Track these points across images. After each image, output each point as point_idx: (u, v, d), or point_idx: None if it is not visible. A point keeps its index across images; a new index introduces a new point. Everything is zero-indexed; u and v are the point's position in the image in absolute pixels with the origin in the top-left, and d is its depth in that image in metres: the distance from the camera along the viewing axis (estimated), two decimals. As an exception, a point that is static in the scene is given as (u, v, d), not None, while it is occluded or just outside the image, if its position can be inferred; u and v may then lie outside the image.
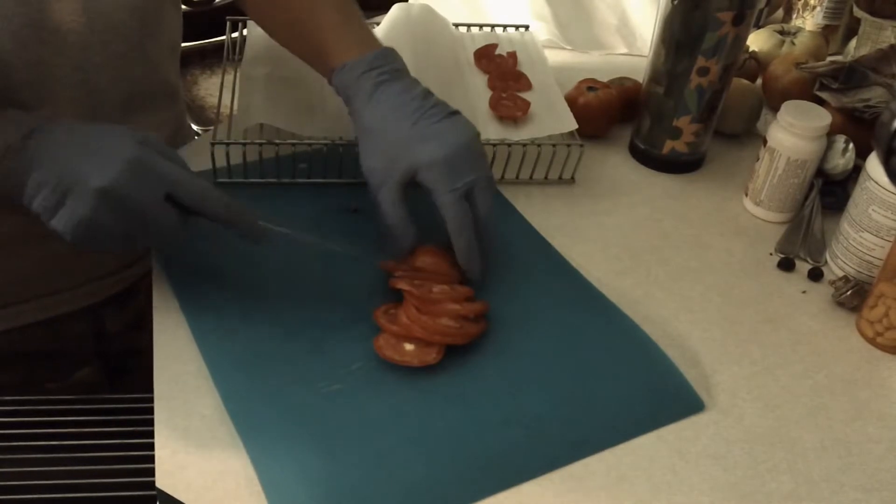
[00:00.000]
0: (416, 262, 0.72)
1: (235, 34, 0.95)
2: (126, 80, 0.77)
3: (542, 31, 1.15)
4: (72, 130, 0.64)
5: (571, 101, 0.93)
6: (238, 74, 0.89)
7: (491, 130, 0.87)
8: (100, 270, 0.86)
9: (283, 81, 0.87)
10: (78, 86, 0.73)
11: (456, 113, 0.73)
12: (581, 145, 0.86)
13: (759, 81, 1.07)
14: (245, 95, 0.86)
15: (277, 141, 0.82)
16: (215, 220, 0.66)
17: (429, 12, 0.97)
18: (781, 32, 1.11)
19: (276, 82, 0.87)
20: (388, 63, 0.74)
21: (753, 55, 1.06)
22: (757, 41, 1.10)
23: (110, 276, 0.87)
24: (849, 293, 0.76)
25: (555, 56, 1.08)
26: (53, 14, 0.69)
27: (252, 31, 0.93)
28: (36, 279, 0.83)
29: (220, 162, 0.82)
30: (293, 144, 0.82)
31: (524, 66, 0.97)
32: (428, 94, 0.74)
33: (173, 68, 0.87)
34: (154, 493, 0.57)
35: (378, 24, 0.97)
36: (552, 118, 0.89)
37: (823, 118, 0.82)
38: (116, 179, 0.60)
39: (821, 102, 0.90)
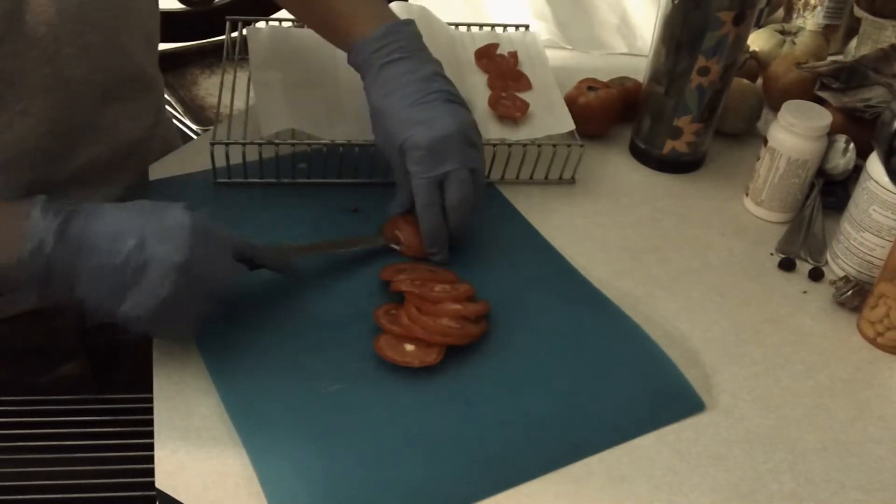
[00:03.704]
0: (398, 221, 0.76)
1: (235, 34, 0.95)
2: (100, 71, 0.77)
3: (542, 30, 1.15)
4: (112, 214, 0.60)
5: (572, 100, 0.93)
6: (250, 80, 0.88)
7: (489, 129, 0.87)
8: None
9: (299, 85, 0.87)
10: (51, 77, 0.73)
11: (454, 101, 0.74)
12: (581, 145, 0.86)
13: (759, 81, 1.06)
14: (263, 100, 0.84)
15: (277, 141, 0.81)
16: (270, 268, 0.69)
17: (427, 14, 0.97)
18: (782, 32, 1.11)
19: (293, 86, 0.87)
20: (396, 40, 0.76)
21: (754, 55, 1.06)
22: (757, 41, 1.10)
23: None
24: (849, 293, 0.76)
25: (555, 56, 1.08)
26: (29, 6, 0.69)
27: (253, 36, 0.93)
28: None
29: (220, 162, 0.81)
30: (293, 144, 0.82)
31: (525, 67, 0.97)
32: (433, 76, 0.75)
33: (150, 58, 0.87)
34: (154, 493, 0.57)
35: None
36: (551, 119, 0.89)
37: (824, 118, 0.81)
38: (192, 251, 0.59)
39: (821, 102, 0.90)
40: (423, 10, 0.97)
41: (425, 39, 0.94)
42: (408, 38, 0.77)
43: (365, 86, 0.77)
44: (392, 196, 0.78)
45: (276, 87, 0.86)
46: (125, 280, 0.58)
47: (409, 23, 0.78)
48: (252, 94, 0.86)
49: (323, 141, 0.82)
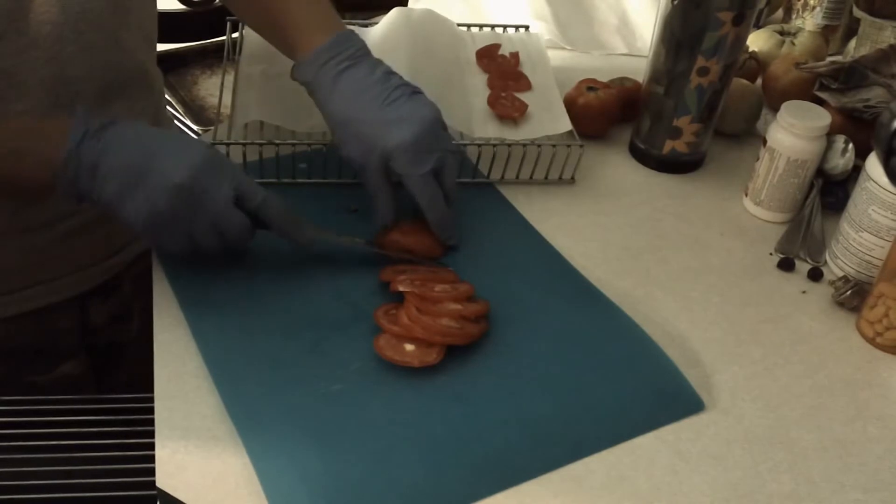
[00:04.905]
0: (398, 236, 0.75)
1: (236, 34, 0.95)
2: (100, 69, 0.77)
3: (542, 31, 1.14)
4: (146, 128, 0.69)
5: (571, 101, 0.93)
6: (236, 72, 0.89)
7: (489, 129, 0.87)
8: (84, 260, 0.86)
9: (279, 78, 0.87)
10: (52, 76, 0.73)
11: (418, 92, 0.75)
12: (581, 145, 0.86)
13: (759, 81, 1.07)
14: (242, 92, 0.86)
15: (277, 141, 0.82)
16: (274, 226, 0.69)
17: (430, 14, 0.97)
18: (781, 32, 1.11)
19: (272, 79, 0.87)
20: (344, 49, 0.75)
21: (753, 55, 1.06)
22: (757, 41, 1.10)
23: (94, 266, 0.87)
24: (849, 293, 0.76)
25: (555, 56, 1.08)
26: (33, 5, 0.69)
27: (250, 30, 0.93)
28: (19, 271, 0.82)
29: (220, 162, 0.81)
30: (293, 145, 0.82)
31: (525, 67, 0.97)
32: (389, 74, 0.75)
33: (149, 57, 0.87)
34: (154, 493, 0.57)
35: (376, 24, 0.97)
36: (549, 120, 0.89)
37: (823, 118, 0.82)
38: (194, 175, 0.64)
39: (820, 102, 0.90)
40: (429, 12, 0.97)
41: (424, 38, 0.94)
42: (357, 44, 0.76)
43: (318, 100, 0.75)
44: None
45: (255, 80, 0.87)
46: (131, 183, 0.64)
47: (353, 33, 0.77)
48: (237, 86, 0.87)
49: (323, 141, 0.82)
